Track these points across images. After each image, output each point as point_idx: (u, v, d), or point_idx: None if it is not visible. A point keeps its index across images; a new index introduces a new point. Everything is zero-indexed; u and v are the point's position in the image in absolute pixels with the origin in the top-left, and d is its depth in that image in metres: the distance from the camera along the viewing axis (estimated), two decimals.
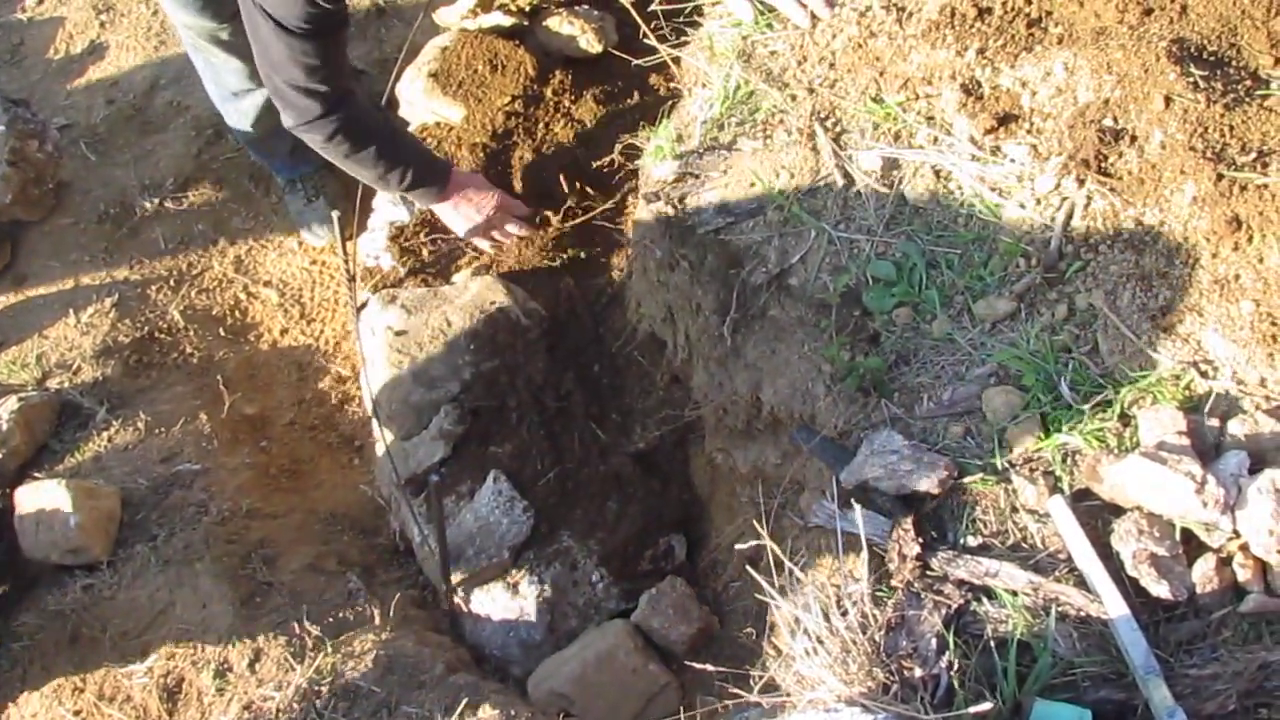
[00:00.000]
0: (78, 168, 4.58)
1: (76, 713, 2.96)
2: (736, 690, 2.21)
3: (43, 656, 3.12)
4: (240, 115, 3.96)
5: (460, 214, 3.55)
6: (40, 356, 3.98)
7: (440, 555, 3.11)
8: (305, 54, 2.86)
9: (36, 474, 3.57)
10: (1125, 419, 2.26)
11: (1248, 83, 2.57)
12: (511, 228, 3.65)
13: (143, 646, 3.07)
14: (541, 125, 3.89)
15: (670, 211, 2.99)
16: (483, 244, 3.66)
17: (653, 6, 3.65)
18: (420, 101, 4.02)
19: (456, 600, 3.23)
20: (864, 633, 2.13)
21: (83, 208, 4.47)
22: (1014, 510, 2.25)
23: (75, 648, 3.12)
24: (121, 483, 3.49)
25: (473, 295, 3.52)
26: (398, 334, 3.48)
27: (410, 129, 4.04)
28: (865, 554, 2.23)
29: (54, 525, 3.25)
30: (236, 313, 4.22)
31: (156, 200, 4.45)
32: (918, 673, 2.07)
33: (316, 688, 2.83)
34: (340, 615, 3.13)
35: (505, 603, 3.17)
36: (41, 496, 3.30)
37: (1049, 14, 2.82)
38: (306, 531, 3.48)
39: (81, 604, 3.21)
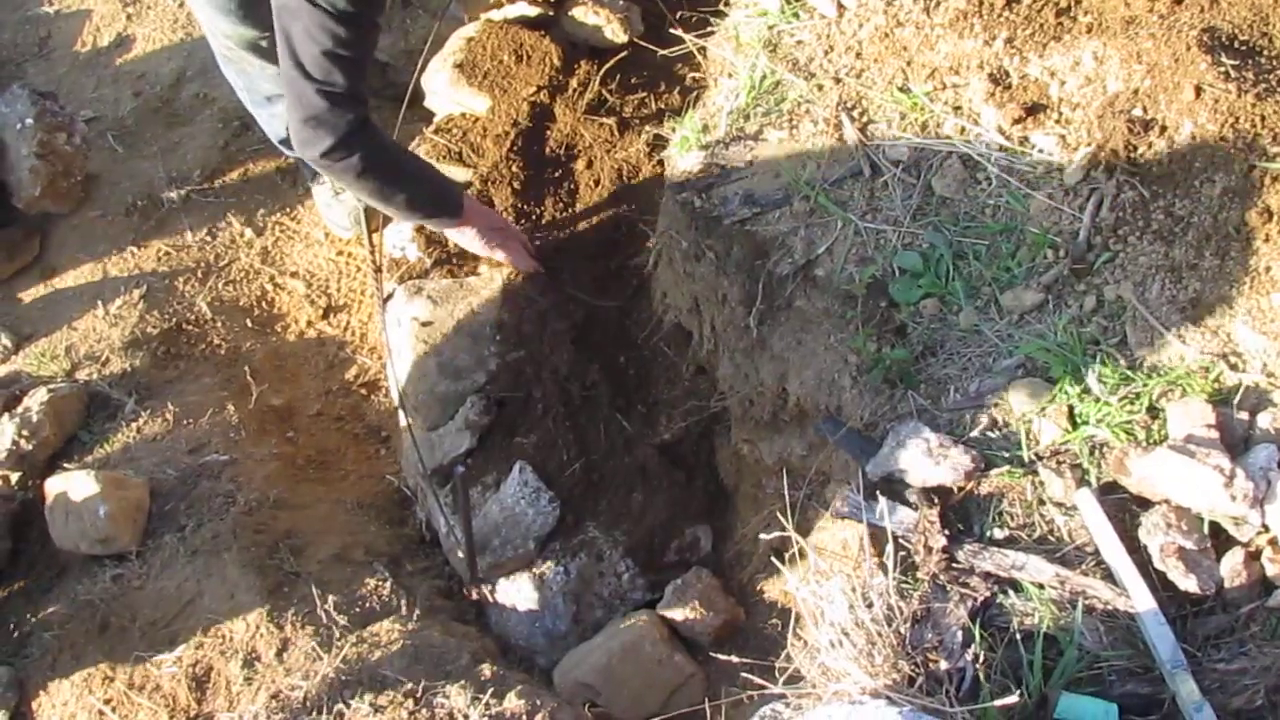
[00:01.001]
0: (105, 160, 4.60)
1: (107, 701, 2.98)
2: (761, 682, 2.21)
3: (73, 646, 3.13)
4: (274, 119, 3.96)
5: (477, 241, 3.50)
6: (69, 348, 4.00)
7: (466, 546, 3.11)
8: (337, 41, 2.80)
9: (66, 464, 3.58)
10: (1153, 412, 2.25)
11: (1279, 72, 2.55)
12: (515, 259, 3.58)
13: (171, 636, 3.09)
14: (567, 116, 3.89)
15: (696, 202, 2.98)
16: (497, 254, 3.60)
17: None
18: (445, 92, 4.02)
19: (482, 590, 3.23)
20: (889, 625, 2.12)
21: (110, 200, 4.48)
22: (1041, 503, 2.24)
23: (105, 637, 3.14)
24: (150, 473, 3.50)
25: (499, 286, 3.52)
26: (423, 325, 3.49)
27: (436, 119, 4.04)
28: (891, 546, 2.23)
29: (83, 515, 3.27)
30: (263, 304, 4.23)
31: (184, 192, 4.46)
32: (943, 665, 2.06)
33: (344, 677, 2.84)
34: (367, 605, 3.14)
35: (531, 593, 3.17)
36: (71, 487, 3.32)
37: (1078, 3, 2.81)
38: (333, 522, 3.49)
39: (111, 594, 3.22)
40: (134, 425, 3.70)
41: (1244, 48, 2.61)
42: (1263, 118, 2.43)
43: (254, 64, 3.68)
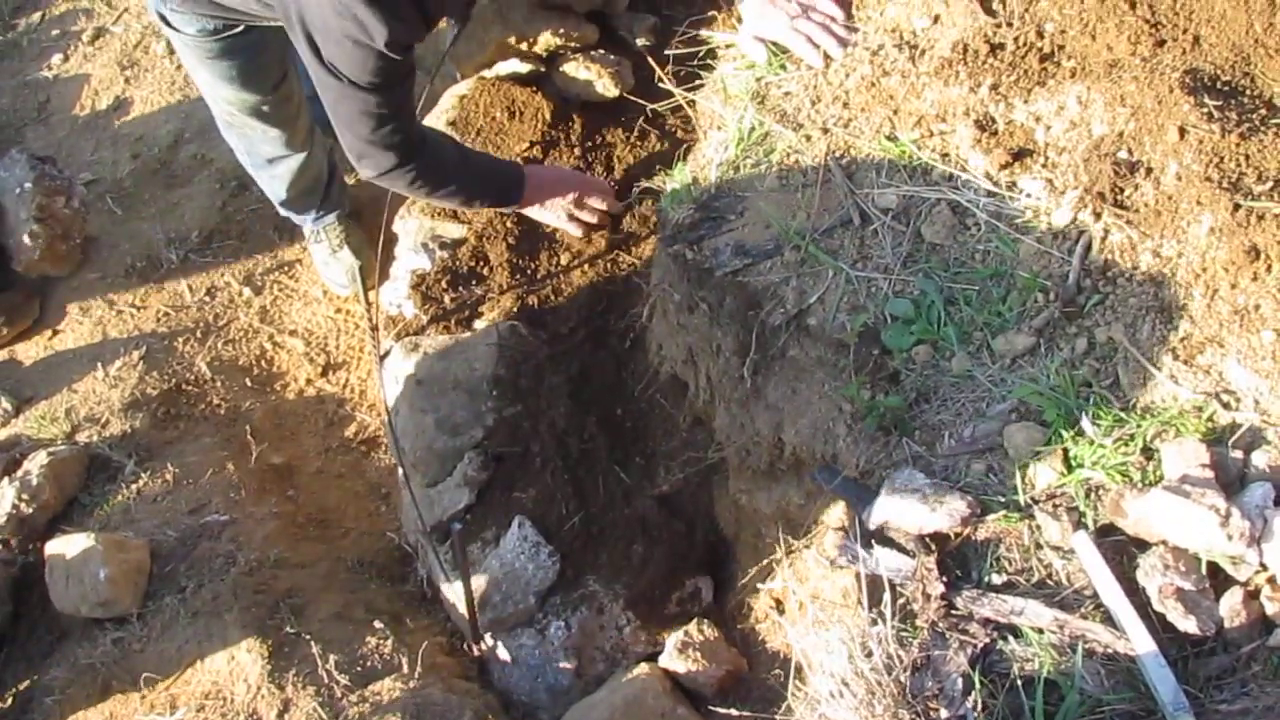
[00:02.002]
0: (104, 222, 4.63)
1: None
2: None
3: (74, 709, 3.12)
4: (275, 180, 3.99)
5: (544, 211, 3.65)
6: (69, 410, 4.01)
7: (466, 602, 3.11)
8: (379, 106, 2.87)
9: (66, 527, 3.58)
10: (1148, 452, 2.24)
11: (1263, 112, 2.57)
12: (595, 202, 3.70)
13: (172, 699, 3.08)
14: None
15: (688, 254, 3.00)
16: (573, 229, 3.72)
17: (668, 51, 3.67)
18: None
19: (484, 646, 3.22)
20: (889, 674, 2.11)
21: (109, 262, 4.51)
22: (1038, 547, 2.23)
23: (106, 700, 3.13)
24: (150, 535, 3.50)
25: (494, 342, 3.53)
26: (420, 382, 3.50)
27: None
28: (889, 594, 2.22)
29: (84, 578, 3.27)
30: (263, 363, 4.25)
31: (182, 253, 4.50)
32: (944, 714, 2.05)
33: None
34: (368, 664, 3.13)
35: (532, 648, 3.17)
36: (71, 550, 3.32)
37: (1061, 48, 2.83)
38: (334, 580, 3.48)
39: (112, 657, 3.22)
40: (134, 486, 3.71)
41: (1226, 88, 2.62)
42: (1247, 157, 2.45)
43: (255, 128, 3.69)
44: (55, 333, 4.34)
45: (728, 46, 3.44)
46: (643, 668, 3.06)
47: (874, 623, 2.21)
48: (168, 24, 3.20)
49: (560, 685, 3.14)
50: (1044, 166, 2.65)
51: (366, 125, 2.92)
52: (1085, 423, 2.31)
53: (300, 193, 4.05)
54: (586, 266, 3.75)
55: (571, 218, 3.68)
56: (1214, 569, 2.09)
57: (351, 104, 2.87)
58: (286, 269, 4.48)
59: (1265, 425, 2.19)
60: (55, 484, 3.63)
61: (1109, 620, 2.10)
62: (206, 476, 3.73)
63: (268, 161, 3.90)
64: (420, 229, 3.86)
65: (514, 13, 4.03)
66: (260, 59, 3.40)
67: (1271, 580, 2.04)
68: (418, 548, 3.55)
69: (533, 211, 3.66)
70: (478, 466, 3.36)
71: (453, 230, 3.83)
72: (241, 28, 3.22)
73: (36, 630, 3.40)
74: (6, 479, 3.61)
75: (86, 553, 3.28)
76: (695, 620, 3.13)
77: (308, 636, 3.19)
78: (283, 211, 4.22)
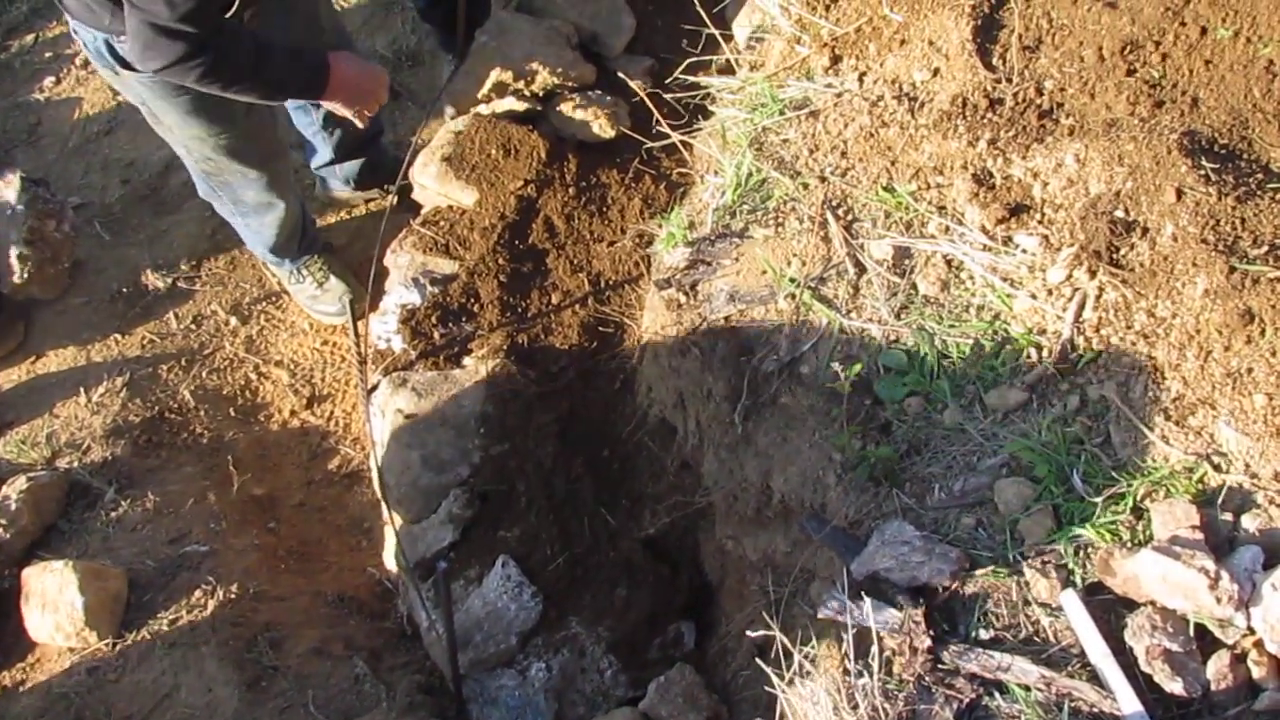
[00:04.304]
0: (92, 247, 4.61)
1: None
2: None
3: None
4: (265, 228, 3.97)
5: (342, 103, 3.45)
6: (50, 435, 3.98)
7: (448, 641, 3.08)
8: None
9: (44, 554, 3.55)
10: (1138, 512, 2.25)
11: (1259, 175, 2.59)
12: (381, 94, 3.55)
13: None
14: (554, 210, 3.92)
15: (682, 298, 3.00)
16: (359, 122, 3.57)
17: (666, 95, 3.69)
18: (433, 186, 4.05)
19: (464, 687, 3.20)
20: None
21: (96, 287, 4.49)
22: (1026, 603, 2.23)
23: None
24: (129, 564, 3.48)
25: (483, 379, 3.52)
26: (407, 417, 3.48)
27: (424, 212, 4.06)
28: (876, 646, 2.21)
29: (60, 607, 3.24)
30: (247, 393, 4.23)
31: (169, 280, 4.48)
32: None
33: None
34: (347, 700, 3.11)
35: (513, 689, 3.14)
36: (48, 577, 3.29)
37: (1060, 105, 2.85)
38: (313, 614, 3.46)
39: (86, 687, 3.19)
40: (114, 514, 3.68)
41: (1224, 151, 2.64)
42: (1243, 220, 2.46)
43: (234, 171, 3.65)
44: (39, 356, 4.31)
45: (726, 89, 3.45)
46: (623, 712, 3.04)
47: (860, 675, 2.20)
48: (120, 62, 3.12)
49: None
50: (1040, 223, 2.67)
51: (164, 5, 2.75)
52: (1076, 480, 2.31)
53: (287, 239, 4.04)
54: (578, 306, 3.75)
55: (359, 113, 3.54)
56: (1201, 631, 2.09)
57: None
58: (274, 299, 4.46)
59: (1255, 488, 2.20)
60: (34, 509, 3.60)
61: (1095, 679, 2.10)
62: (187, 506, 3.70)
63: (254, 210, 3.87)
64: (412, 264, 3.86)
65: (514, 50, 4.05)
66: None
67: (1258, 644, 2.04)
68: (399, 584, 3.52)
69: (331, 106, 3.51)
70: (463, 504, 3.35)
71: (445, 266, 3.83)
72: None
73: (10, 658, 3.36)
74: None
75: (64, 580, 3.25)
76: (677, 665, 3.11)
77: (286, 670, 3.16)
78: (269, 259, 4.20)
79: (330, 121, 4.12)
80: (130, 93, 3.35)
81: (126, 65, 3.10)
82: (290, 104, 3.95)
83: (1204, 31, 2.86)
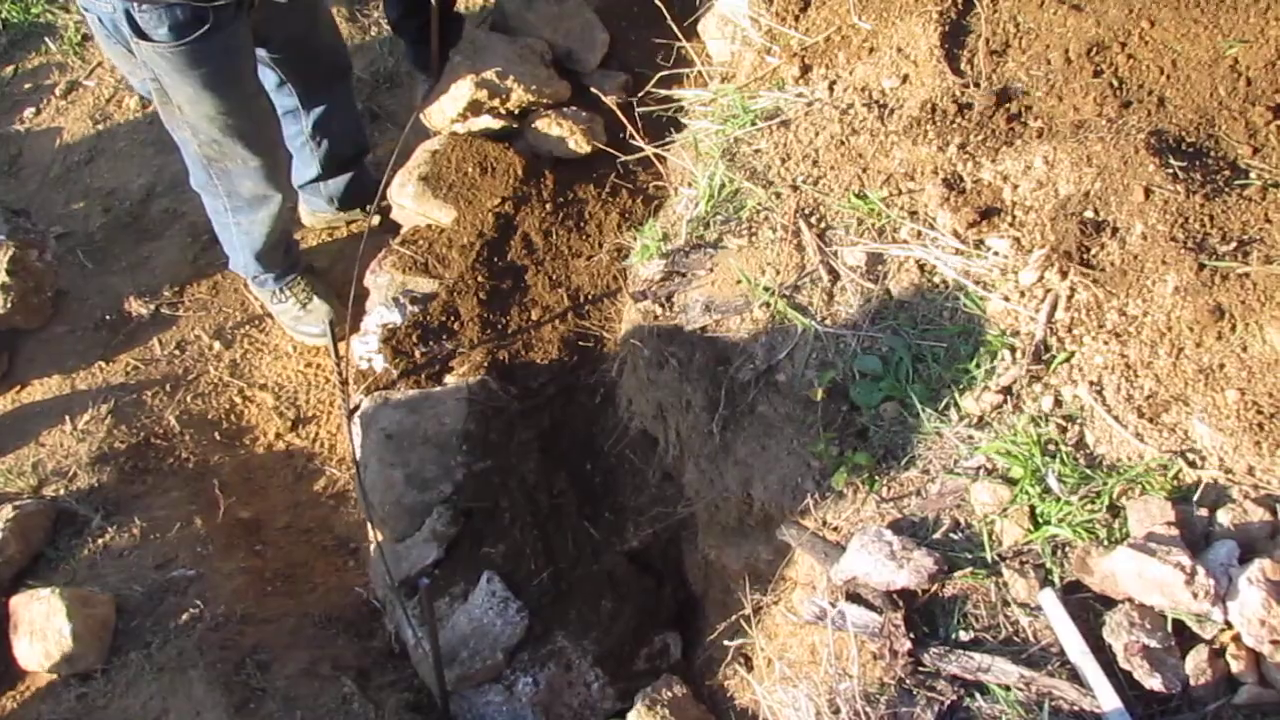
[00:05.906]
0: (75, 276, 4.61)
1: None
2: None
3: None
4: (255, 226, 3.95)
5: None
6: (36, 464, 3.98)
7: (434, 658, 3.08)
8: None
9: (32, 582, 3.54)
10: (1114, 510, 2.26)
11: (1226, 173, 2.61)
12: None
13: None
14: (531, 227, 3.94)
15: (658, 310, 3.01)
16: None
17: (642, 110, 3.70)
18: (412, 205, 4.06)
19: (451, 704, 3.20)
20: None
21: (79, 315, 4.49)
22: (1005, 604, 2.24)
23: None
24: (116, 589, 3.47)
25: (465, 396, 3.53)
26: (390, 436, 3.49)
27: (403, 231, 4.08)
28: (856, 651, 2.22)
29: (48, 634, 3.23)
30: (232, 417, 4.23)
31: (153, 306, 4.49)
32: None
33: None
34: None
35: (500, 705, 3.14)
36: (36, 605, 3.29)
37: (1028, 109, 2.87)
38: (301, 636, 3.45)
39: (76, 713, 3.18)
40: (101, 541, 3.68)
41: (1191, 149, 2.66)
42: (1211, 217, 2.48)
43: (237, 155, 3.63)
44: (23, 386, 4.31)
45: (698, 102, 3.47)
46: None
47: (841, 679, 2.21)
48: (138, 33, 3.12)
49: None
50: (1011, 225, 2.68)
51: None
52: (1051, 480, 2.32)
53: (273, 244, 4.03)
54: (557, 322, 3.76)
55: None
56: (1179, 626, 2.10)
57: None
58: (257, 323, 4.47)
59: (1230, 483, 2.21)
60: (21, 538, 3.60)
61: (1075, 677, 2.10)
62: (174, 531, 3.70)
63: (249, 204, 3.86)
64: (392, 283, 3.87)
65: (488, 68, 4.06)
66: (235, 64, 3.37)
67: (1236, 638, 2.05)
68: (386, 603, 3.52)
69: None
70: (447, 521, 3.35)
71: (424, 285, 3.84)
72: (207, 26, 3.15)
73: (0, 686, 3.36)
74: None
75: (51, 607, 3.25)
76: (664, 676, 3.11)
77: (274, 692, 3.16)
78: (250, 271, 4.19)
79: (319, 131, 4.12)
80: (143, 69, 3.32)
81: (144, 35, 3.12)
82: (280, 109, 3.94)
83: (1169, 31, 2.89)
